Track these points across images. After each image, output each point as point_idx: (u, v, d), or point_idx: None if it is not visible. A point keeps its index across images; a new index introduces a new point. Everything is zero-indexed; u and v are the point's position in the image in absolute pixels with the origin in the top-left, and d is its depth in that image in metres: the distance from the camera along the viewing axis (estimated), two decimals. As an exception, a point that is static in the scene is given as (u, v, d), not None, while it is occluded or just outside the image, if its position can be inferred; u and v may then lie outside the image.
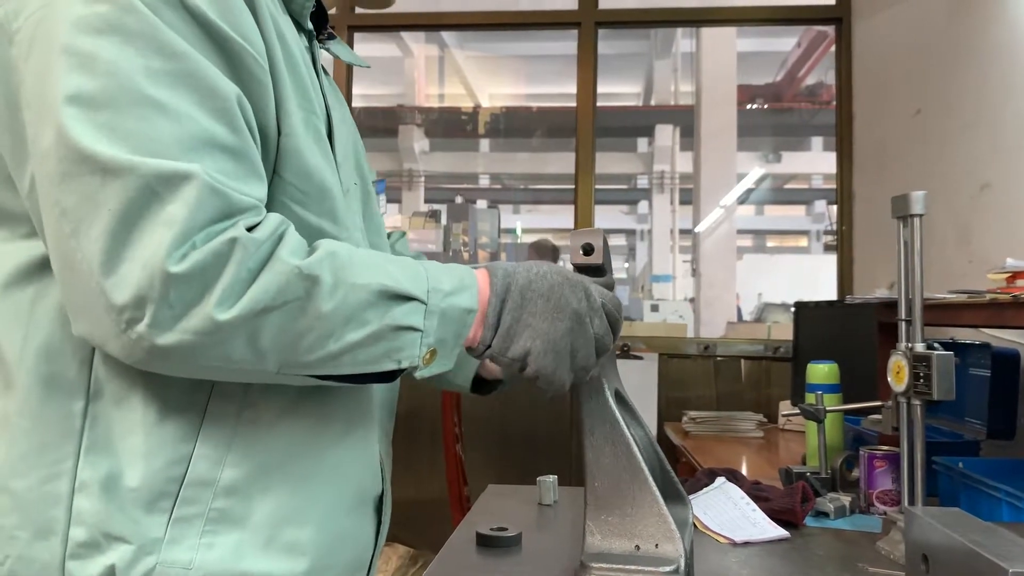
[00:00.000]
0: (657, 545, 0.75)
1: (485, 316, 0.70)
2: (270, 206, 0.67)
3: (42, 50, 0.60)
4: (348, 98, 3.25)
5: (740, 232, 11.94)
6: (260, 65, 0.65)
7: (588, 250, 0.81)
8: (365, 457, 0.78)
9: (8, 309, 0.67)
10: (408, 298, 0.64)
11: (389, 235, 1.04)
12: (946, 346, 1.04)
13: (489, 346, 0.70)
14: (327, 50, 0.87)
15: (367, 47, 3.64)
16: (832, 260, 3.10)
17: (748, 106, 11.30)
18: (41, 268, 0.66)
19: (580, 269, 0.83)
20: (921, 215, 1.05)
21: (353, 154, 0.84)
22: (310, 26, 0.80)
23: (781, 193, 14.78)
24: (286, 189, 0.68)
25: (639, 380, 2.76)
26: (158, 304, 0.56)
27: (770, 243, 17.56)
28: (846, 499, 1.21)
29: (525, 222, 14.58)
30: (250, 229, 0.59)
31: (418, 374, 0.67)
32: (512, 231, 13.18)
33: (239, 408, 0.67)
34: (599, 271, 0.84)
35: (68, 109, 0.57)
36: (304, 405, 0.71)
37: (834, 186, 3.09)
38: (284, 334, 0.60)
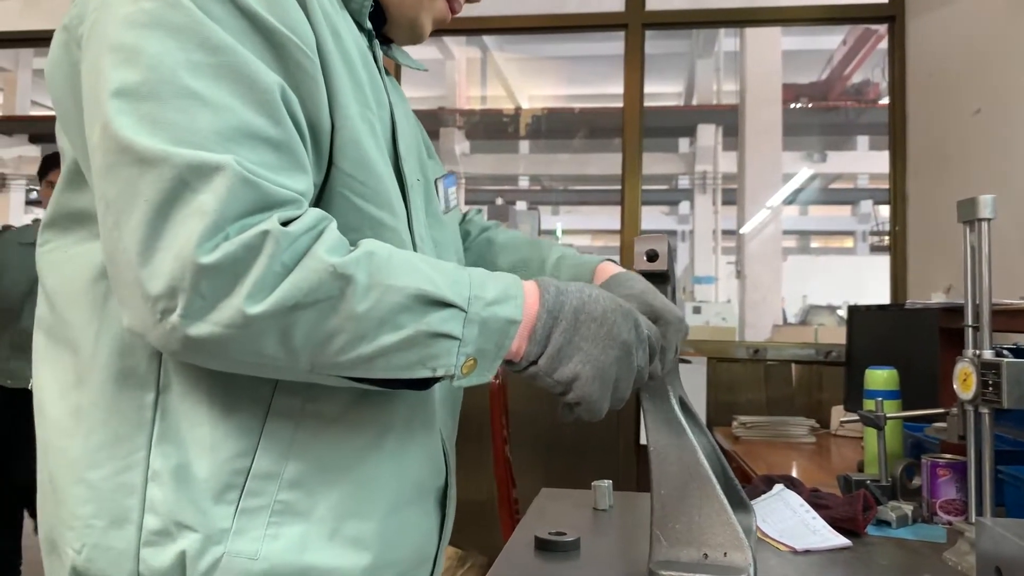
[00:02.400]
0: (726, 554, 0.74)
1: (533, 331, 0.67)
2: (329, 198, 0.68)
3: (94, 50, 0.62)
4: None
5: (785, 233, 11.77)
6: (309, 57, 0.65)
7: (653, 256, 0.82)
8: (427, 449, 0.78)
9: (84, 306, 0.69)
10: (447, 304, 0.63)
11: (465, 215, 1.06)
12: (1012, 352, 1.01)
13: (534, 362, 0.68)
14: (386, 53, 0.88)
15: (409, 51, 3.66)
16: (880, 261, 3.05)
17: (793, 105, 11.13)
18: None
19: (645, 275, 0.83)
20: (990, 219, 1.02)
21: (416, 151, 0.84)
22: (369, 25, 0.80)
23: (826, 193, 14.53)
24: (344, 180, 0.68)
25: (688, 384, 2.71)
26: (190, 294, 0.56)
27: (815, 244, 17.27)
28: (908, 508, 1.19)
29: (565, 223, 14.56)
30: (287, 223, 0.59)
31: (455, 383, 0.65)
32: (552, 232, 13.17)
33: (303, 402, 0.68)
34: (663, 277, 0.84)
35: (113, 102, 0.59)
36: (367, 400, 0.71)
37: (881, 186, 3.04)
38: (316, 332, 0.59)
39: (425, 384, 0.67)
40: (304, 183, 0.63)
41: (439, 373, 0.64)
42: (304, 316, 0.58)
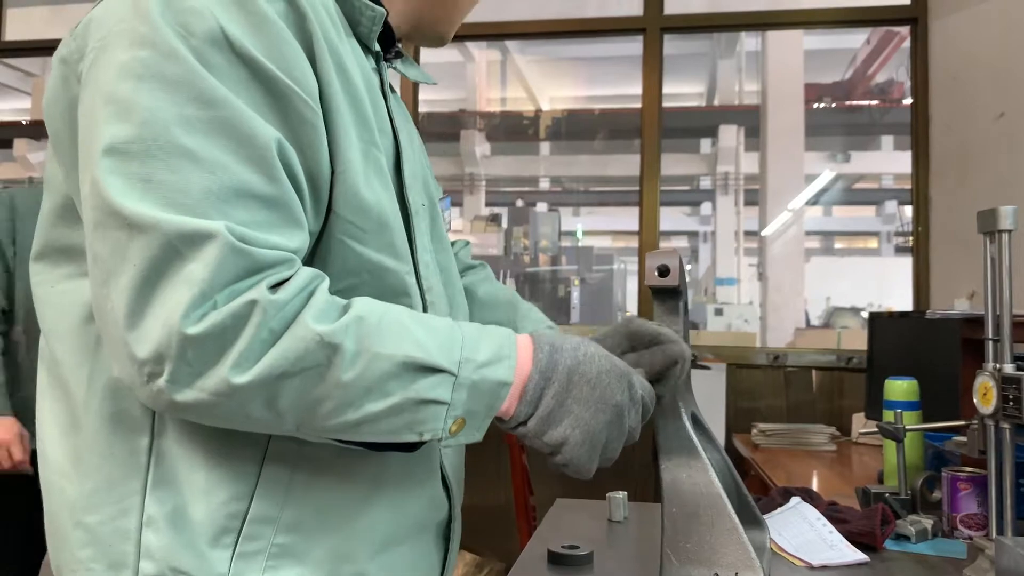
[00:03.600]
0: (737, 573, 0.74)
1: (524, 391, 0.66)
2: (328, 244, 0.67)
3: (90, 95, 0.62)
4: (414, 105, 3.29)
5: (808, 234, 11.67)
6: (309, 106, 0.64)
7: (664, 272, 0.81)
8: (427, 487, 0.78)
9: (76, 347, 0.69)
10: (436, 370, 0.62)
11: (453, 244, 1.03)
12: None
13: (524, 423, 0.67)
14: (395, 68, 0.87)
15: (429, 53, 3.68)
16: (904, 263, 3.01)
17: (816, 105, 11.02)
18: None
19: (656, 291, 0.83)
20: (1011, 231, 1.01)
21: (421, 174, 0.84)
22: (377, 48, 0.79)
23: (850, 193, 14.37)
24: (343, 226, 0.67)
25: (707, 390, 2.72)
26: (176, 363, 0.56)
27: (839, 244, 17.10)
28: (928, 522, 1.17)
29: (586, 224, 14.53)
30: (277, 285, 0.58)
31: (443, 445, 0.65)
32: (572, 234, 13.16)
33: (299, 446, 0.67)
34: (675, 293, 0.83)
35: (103, 161, 0.58)
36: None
37: (906, 186, 3.00)
38: (302, 399, 0.59)
39: (413, 447, 0.67)
40: (298, 239, 0.63)
41: (425, 437, 0.63)
42: (290, 384, 0.58)
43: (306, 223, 0.64)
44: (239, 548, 0.65)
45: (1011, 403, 0.98)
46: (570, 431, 0.67)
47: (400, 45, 0.87)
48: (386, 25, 0.80)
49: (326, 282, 0.63)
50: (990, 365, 1.03)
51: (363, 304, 0.63)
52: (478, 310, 0.99)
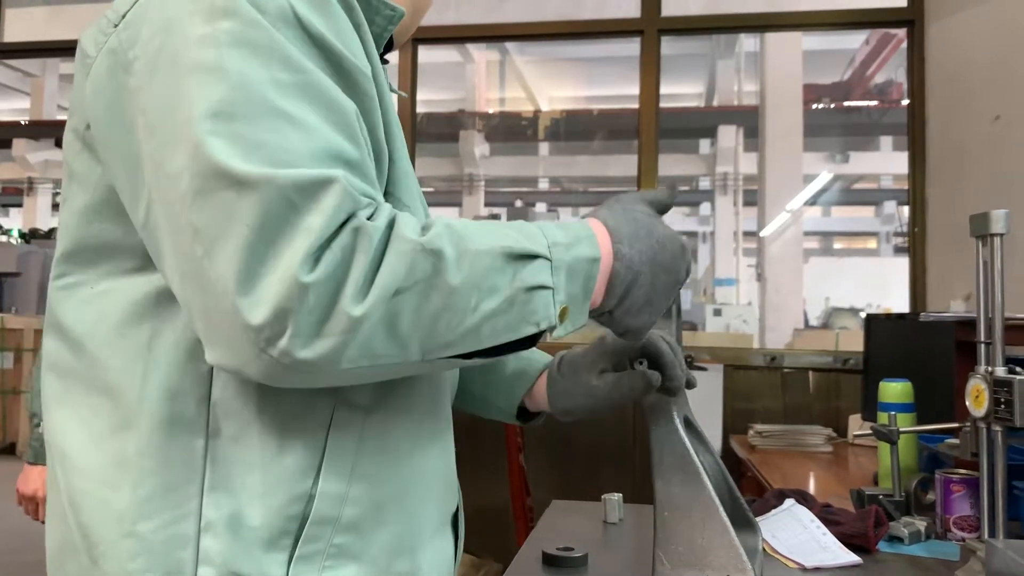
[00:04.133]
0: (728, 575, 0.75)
1: (611, 284, 0.68)
2: None
3: (168, 74, 0.60)
4: (412, 104, 3.30)
5: (806, 234, 11.67)
6: (372, 86, 0.65)
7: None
8: (449, 475, 0.79)
9: (125, 348, 0.67)
10: (533, 256, 0.62)
11: None
12: (1028, 368, 1.00)
13: (609, 312, 0.69)
14: None
15: (428, 53, 3.69)
16: (904, 263, 3.02)
17: (815, 105, 11.04)
18: (156, 305, 0.66)
19: None
20: (1003, 235, 1.01)
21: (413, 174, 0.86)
22: (382, 48, 0.78)
23: (849, 194, 14.40)
24: (400, 208, 0.67)
25: (704, 392, 2.72)
26: (299, 315, 0.54)
27: (838, 245, 17.12)
28: (921, 524, 1.18)
29: (585, 225, 14.50)
30: (369, 218, 0.58)
31: (554, 334, 0.65)
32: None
33: (358, 441, 0.67)
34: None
35: (203, 124, 0.57)
36: (400, 433, 0.71)
37: (905, 187, 3.00)
38: (421, 315, 0.58)
39: (531, 342, 0.65)
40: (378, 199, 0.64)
41: (543, 326, 0.63)
42: (406, 301, 0.57)
43: (380, 192, 0.66)
44: (298, 551, 0.64)
45: (1003, 406, 0.99)
46: (648, 318, 0.71)
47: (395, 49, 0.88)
48: None
49: (407, 213, 0.63)
50: (982, 368, 1.03)
51: (443, 217, 0.63)
52: None
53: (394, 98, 0.78)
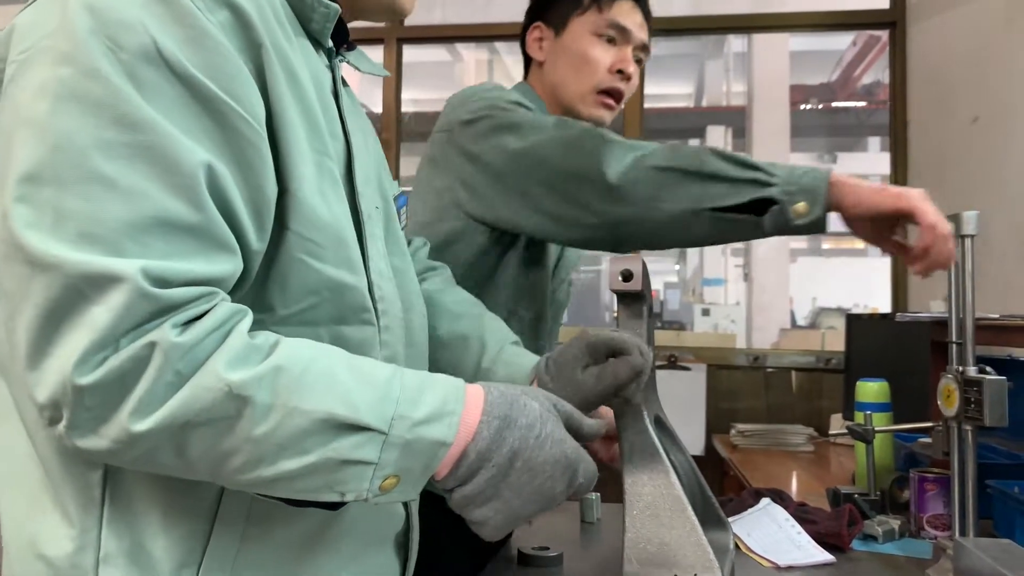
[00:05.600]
0: (696, 575, 0.75)
1: (456, 466, 0.62)
2: (288, 263, 0.65)
3: (8, 116, 0.58)
4: (398, 103, 3.28)
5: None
6: (251, 125, 0.60)
7: (627, 276, 0.82)
8: (382, 507, 0.77)
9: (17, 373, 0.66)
10: (361, 428, 0.58)
11: (410, 243, 1.00)
12: (1004, 363, 1.01)
13: (449, 490, 0.64)
14: (348, 62, 0.84)
15: (416, 51, 3.67)
16: (888, 263, 3.03)
17: (802, 106, 11.08)
18: None
19: (620, 295, 0.84)
20: (973, 236, 1.02)
21: (375, 175, 0.81)
22: (330, 44, 0.76)
23: (837, 195, 14.41)
24: (301, 244, 0.65)
25: (687, 392, 2.73)
26: (73, 410, 0.53)
27: (826, 245, 17.18)
28: (895, 522, 1.19)
29: (574, 225, 14.50)
30: (189, 323, 0.55)
31: (373, 502, 0.61)
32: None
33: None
34: (639, 297, 0.84)
35: (15, 188, 0.54)
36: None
37: (892, 188, 3.02)
38: (212, 450, 0.56)
39: (335, 505, 0.64)
40: (225, 264, 0.59)
41: (348, 497, 0.60)
42: (197, 434, 0.55)
43: (237, 248, 0.60)
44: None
45: (973, 405, 1.00)
46: (492, 514, 0.64)
47: (348, 40, 0.83)
48: (339, 19, 0.76)
49: (247, 320, 0.59)
50: (953, 368, 1.04)
51: (289, 350, 0.59)
52: (441, 317, 0.97)
53: (380, 92, 0.75)
